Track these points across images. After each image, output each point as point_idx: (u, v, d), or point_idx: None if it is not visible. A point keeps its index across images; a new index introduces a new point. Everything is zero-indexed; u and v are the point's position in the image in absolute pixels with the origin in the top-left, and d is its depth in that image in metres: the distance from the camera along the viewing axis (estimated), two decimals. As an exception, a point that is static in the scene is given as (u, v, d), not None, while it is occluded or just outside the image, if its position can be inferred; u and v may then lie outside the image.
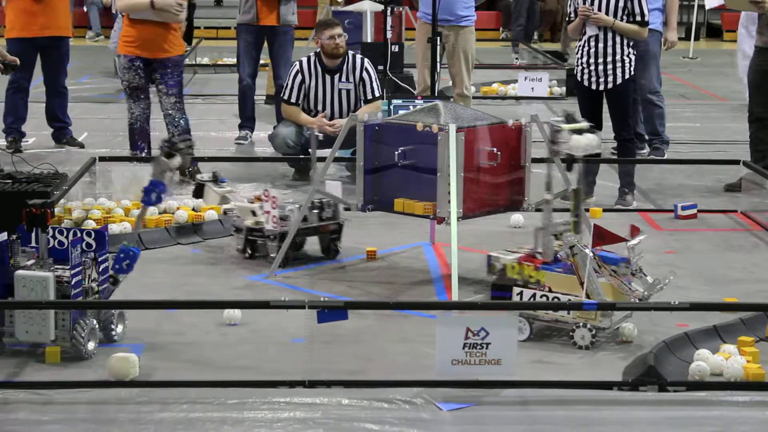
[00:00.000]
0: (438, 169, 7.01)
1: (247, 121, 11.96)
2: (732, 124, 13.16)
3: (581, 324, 6.18)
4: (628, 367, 5.93)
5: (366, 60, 10.16)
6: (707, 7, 19.05)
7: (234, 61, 13.92)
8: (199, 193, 8.76)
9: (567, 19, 9.56)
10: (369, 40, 13.64)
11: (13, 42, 11.06)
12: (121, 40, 10.05)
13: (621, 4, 9.02)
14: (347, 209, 7.67)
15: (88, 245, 6.07)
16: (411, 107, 8.99)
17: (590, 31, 9.12)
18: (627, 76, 9.12)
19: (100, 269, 6.14)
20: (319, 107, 10.03)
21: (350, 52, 10.12)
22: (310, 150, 9.81)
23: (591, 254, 6.23)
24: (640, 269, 6.37)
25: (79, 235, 6.05)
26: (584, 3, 9.10)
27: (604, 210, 8.96)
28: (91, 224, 8.13)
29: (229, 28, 20.78)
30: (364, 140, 7.33)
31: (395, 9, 13.26)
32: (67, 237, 6.06)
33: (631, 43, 9.12)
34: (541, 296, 6.33)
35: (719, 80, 17.44)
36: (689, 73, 18.39)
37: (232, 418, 5.32)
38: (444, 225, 7.06)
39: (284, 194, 7.99)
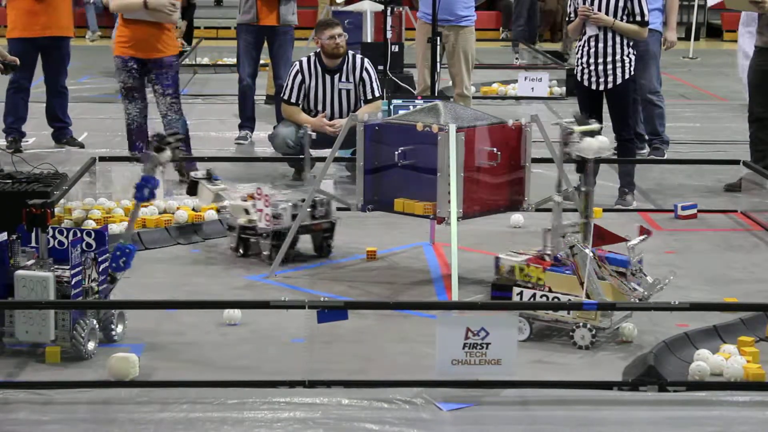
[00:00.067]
0: (438, 169, 7.01)
1: (247, 121, 11.96)
2: (732, 124, 13.16)
3: (581, 324, 6.18)
4: (628, 367, 5.94)
5: (366, 60, 10.16)
6: (708, 5, 19.04)
7: (234, 61, 13.92)
8: (192, 190, 8.75)
9: (567, 19, 9.56)
10: (369, 40, 13.63)
11: (14, 42, 11.06)
12: (115, 40, 10.04)
13: (621, 4, 9.02)
14: (346, 209, 7.66)
15: (88, 245, 6.07)
16: (411, 107, 8.99)
17: (590, 31, 9.12)
18: (627, 76, 9.11)
19: (100, 269, 6.14)
20: (319, 107, 10.03)
21: (350, 52, 10.11)
22: (306, 149, 9.86)
23: (591, 254, 6.23)
24: (640, 269, 6.37)
25: (79, 235, 6.05)
26: (584, 3, 9.10)
27: (604, 210, 8.96)
28: (91, 224, 8.13)
29: (229, 28, 20.77)
30: (364, 140, 7.33)
31: (395, 9, 13.26)
32: (67, 237, 6.07)
33: (631, 43, 9.12)
34: (541, 296, 6.33)
35: (719, 80, 17.44)
36: (689, 73, 18.39)
37: (232, 418, 5.32)
38: (444, 225, 7.06)
39: (284, 194, 7.99)
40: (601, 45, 9.08)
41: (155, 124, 9.99)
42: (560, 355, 6.13)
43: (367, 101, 10.02)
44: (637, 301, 6.22)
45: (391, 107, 9.78)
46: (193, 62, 17.16)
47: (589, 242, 6.38)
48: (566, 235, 6.44)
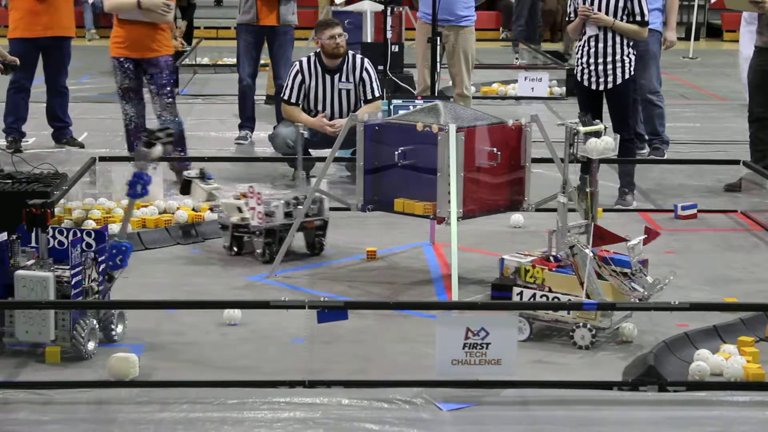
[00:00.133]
0: (438, 169, 7.01)
1: (247, 121, 11.96)
2: (732, 124, 13.16)
3: (581, 324, 6.18)
4: (628, 367, 5.93)
5: (366, 60, 10.16)
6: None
7: (234, 61, 13.92)
8: (186, 189, 8.76)
9: (567, 19, 9.56)
10: (369, 40, 13.63)
11: (15, 42, 11.07)
12: (111, 41, 10.04)
13: (621, 4, 9.02)
14: (346, 209, 7.66)
15: (88, 245, 6.07)
16: (411, 107, 8.99)
17: (590, 31, 9.12)
18: (627, 76, 9.11)
19: (100, 269, 6.14)
20: (319, 107, 10.03)
21: (350, 52, 10.11)
22: (309, 149, 9.85)
23: (591, 254, 6.23)
24: (640, 269, 6.37)
25: (79, 235, 6.05)
26: (584, 3, 9.10)
27: (604, 210, 8.94)
28: (91, 224, 8.13)
29: (229, 28, 20.77)
30: (364, 140, 7.33)
31: (395, 9, 13.25)
32: (67, 237, 6.07)
33: (631, 43, 9.12)
34: (541, 296, 6.33)
35: (719, 80, 17.44)
36: (689, 73, 18.39)
37: (232, 418, 5.32)
38: (444, 225, 7.06)
39: (284, 194, 7.99)
40: (601, 45, 9.08)
41: (152, 125, 9.98)
42: (560, 355, 6.13)
43: (367, 101, 10.02)
44: (637, 301, 6.22)
45: (391, 107, 9.78)
46: (193, 62, 17.16)
47: (589, 242, 6.37)
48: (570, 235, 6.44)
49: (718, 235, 8.63)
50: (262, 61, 12.18)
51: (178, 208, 8.59)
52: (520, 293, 6.38)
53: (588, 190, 6.66)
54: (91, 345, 5.96)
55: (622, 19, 9.04)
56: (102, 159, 9.32)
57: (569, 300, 6.22)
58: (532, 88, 15.11)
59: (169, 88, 9.89)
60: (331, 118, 9.99)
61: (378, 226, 8.53)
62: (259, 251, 7.70)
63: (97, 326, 6.05)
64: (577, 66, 9.26)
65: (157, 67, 9.83)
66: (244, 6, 11.70)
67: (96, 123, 12.75)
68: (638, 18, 9.06)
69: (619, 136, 9.26)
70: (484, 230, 8.26)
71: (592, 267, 6.21)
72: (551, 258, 6.58)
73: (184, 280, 7.40)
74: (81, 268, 5.97)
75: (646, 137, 11.20)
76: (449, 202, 6.96)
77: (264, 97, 13.88)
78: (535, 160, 7.50)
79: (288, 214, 7.80)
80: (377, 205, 7.40)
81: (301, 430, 5.23)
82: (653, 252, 7.52)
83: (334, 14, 13.73)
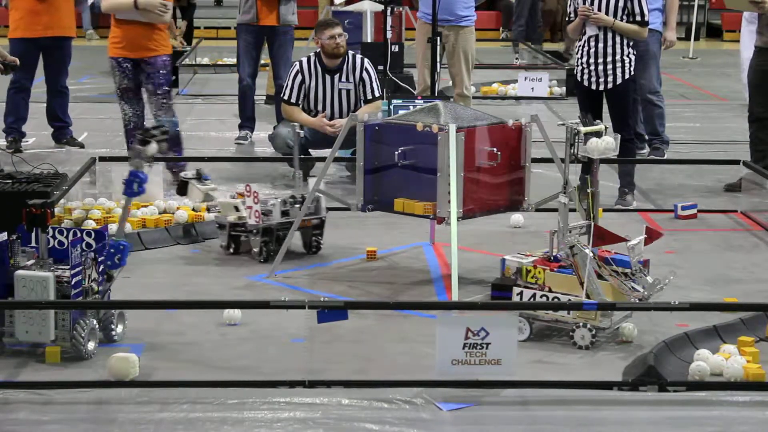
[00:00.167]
0: (438, 169, 7.01)
1: (247, 121, 11.96)
2: (732, 124, 13.16)
3: (581, 324, 6.17)
4: (628, 367, 5.93)
5: (366, 60, 10.16)
6: None
7: (234, 61, 13.91)
8: (182, 190, 8.75)
9: (567, 19, 9.56)
10: (369, 40, 13.63)
11: (16, 42, 11.07)
12: (109, 41, 10.04)
13: (621, 4, 9.02)
14: (346, 209, 7.66)
15: (88, 245, 6.07)
16: (411, 107, 8.99)
17: (590, 31, 9.12)
18: (627, 76, 9.11)
19: (100, 269, 6.14)
20: (319, 107, 10.03)
21: (350, 52, 10.12)
22: (308, 149, 9.85)
23: (591, 254, 6.22)
24: (640, 269, 6.37)
25: (79, 235, 6.05)
26: (584, 3, 9.10)
27: (604, 210, 8.94)
28: (91, 224, 8.13)
29: (229, 28, 20.77)
30: (364, 140, 7.33)
31: (395, 9, 13.25)
32: (67, 237, 6.07)
33: (631, 43, 9.12)
34: (541, 296, 6.33)
35: (719, 80, 17.44)
36: (689, 73, 18.39)
37: (232, 418, 5.32)
38: (444, 225, 7.06)
39: (282, 193, 8.00)
40: (601, 45, 9.08)
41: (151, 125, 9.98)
42: (560, 355, 6.13)
43: (367, 101, 10.02)
44: (637, 301, 6.22)
45: (391, 107, 9.78)
46: (193, 62, 17.16)
47: (589, 242, 6.37)
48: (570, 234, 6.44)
49: (718, 235, 8.63)
50: (262, 61, 12.18)
51: (178, 208, 8.59)
52: (520, 293, 6.37)
53: (589, 190, 6.66)
54: (91, 345, 5.96)
55: (622, 19, 9.04)
56: (102, 159, 9.32)
57: (569, 300, 6.22)
58: (532, 88, 15.11)
59: (165, 88, 9.87)
60: (331, 118, 9.99)
61: (378, 226, 8.53)
62: (255, 250, 7.71)
63: (97, 326, 6.05)
64: (577, 66, 9.26)
65: (153, 66, 9.82)
66: (244, 6, 11.70)
67: (96, 123, 12.75)
68: (638, 18, 9.06)
69: (619, 136, 9.25)
70: (484, 230, 8.26)
71: (592, 267, 6.21)
72: (552, 258, 6.57)
73: (184, 280, 7.40)
74: (81, 268, 5.97)
75: (646, 137, 11.20)
76: (449, 202, 6.96)
77: (264, 97, 13.88)
78: (535, 160, 7.50)
79: (285, 213, 7.81)
80: (377, 205, 7.39)
81: (301, 430, 5.23)
82: (653, 252, 7.51)
83: (334, 14, 13.74)
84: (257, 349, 6.19)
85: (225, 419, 5.31)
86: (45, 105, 11.58)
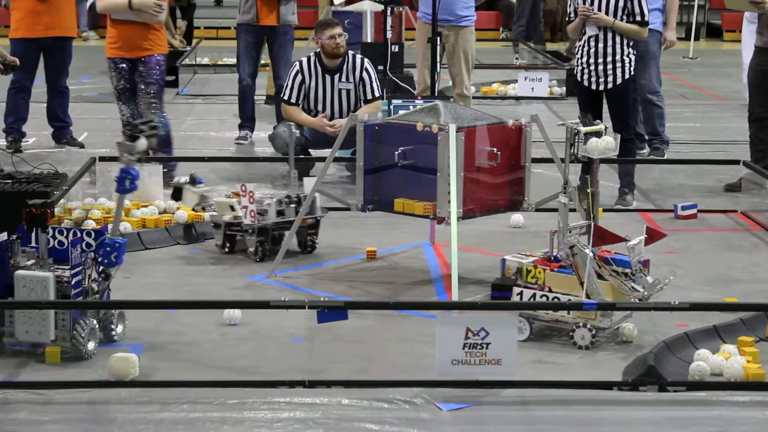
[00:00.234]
0: (438, 169, 7.01)
1: (247, 121, 11.96)
2: (732, 124, 13.16)
3: (581, 324, 6.17)
4: (628, 367, 5.93)
5: (366, 60, 10.16)
6: None
7: (234, 61, 13.91)
8: (177, 196, 8.73)
9: (567, 19, 9.56)
10: (369, 40, 13.63)
11: (17, 42, 11.07)
12: (106, 42, 10.04)
13: (621, 4, 9.02)
14: (346, 209, 7.66)
15: (88, 245, 6.07)
16: (411, 107, 8.99)
17: (590, 31, 9.12)
18: (627, 76, 9.11)
19: (100, 269, 6.14)
20: (319, 107, 10.03)
21: (350, 52, 10.12)
22: (308, 149, 9.83)
23: (591, 254, 6.22)
24: (640, 269, 6.37)
25: (79, 235, 6.05)
26: (584, 3, 9.10)
27: (604, 210, 8.94)
28: (91, 224, 8.13)
29: (229, 28, 20.76)
30: (364, 140, 7.33)
31: (395, 9, 13.25)
32: (67, 237, 6.07)
33: (631, 43, 9.12)
34: (541, 296, 6.33)
35: (719, 80, 17.44)
36: (689, 73, 18.39)
37: (232, 418, 5.32)
38: (444, 225, 7.06)
39: (280, 194, 8.01)
40: (601, 45, 9.08)
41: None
42: (560, 355, 6.12)
43: (367, 101, 10.02)
44: (637, 301, 6.22)
45: (391, 107, 9.78)
46: (193, 62, 17.15)
47: (589, 242, 6.37)
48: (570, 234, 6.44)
49: (718, 235, 8.63)
50: (262, 61, 12.17)
51: (178, 208, 8.59)
52: (520, 293, 6.37)
53: (589, 190, 6.66)
54: (91, 345, 5.96)
55: (622, 19, 9.04)
56: (102, 159, 9.32)
57: (569, 300, 6.22)
58: (532, 88, 15.11)
59: (155, 88, 9.83)
60: (331, 118, 9.99)
61: (378, 226, 8.53)
62: (251, 249, 7.72)
63: (97, 326, 6.04)
64: (577, 66, 9.26)
65: (147, 65, 9.81)
66: (244, 6, 11.70)
67: (96, 123, 12.75)
68: (638, 18, 9.05)
69: (619, 136, 9.26)
70: (484, 230, 8.26)
71: (592, 267, 6.21)
72: (552, 258, 6.57)
73: (184, 280, 7.40)
74: (81, 268, 5.97)
75: (646, 137, 11.20)
76: (449, 202, 6.96)
77: (264, 97, 13.88)
78: (535, 160, 7.50)
79: (280, 213, 7.82)
80: (377, 205, 7.39)
81: (301, 430, 5.23)
82: (653, 252, 7.52)
83: (334, 14, 13.74)
84: (257, 349, 6.19)
85: (225, 419, 5.31)
86: (45, 105, 11.58)
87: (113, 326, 6.19)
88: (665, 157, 11.10)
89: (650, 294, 6.28)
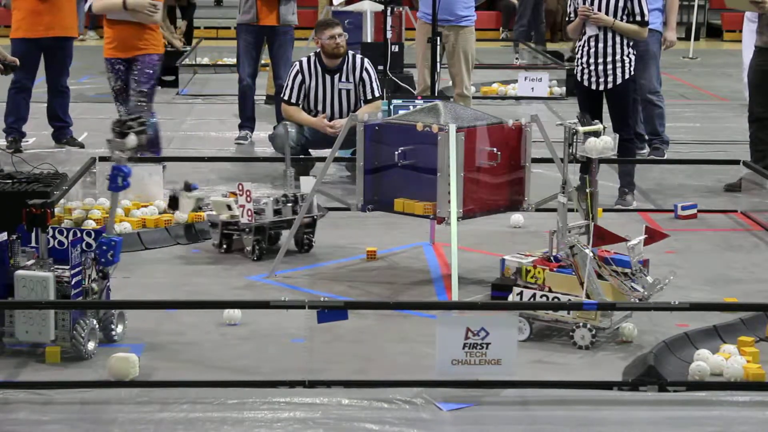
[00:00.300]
0: (438, 169, 7.01)
1: (247, 121, 11.96)
2: (732, 124, 13.16)
3: (581, 324, 6.17)
4: (628, 367, 5.93)
5: (366, 60, 10.16)
6: None
7: (234, 61, 13.91)
8: (173, 204, 8.71)
9: (567, 19, 9.56)
10: (369, 40, 13.63)
11: (17, 42, 11.07)
12: (104, 43, 10.04)
13: (621, 4, 9.02)
14: (346, 209, 7.66)
15: (88, 245, 6.07)
16: (411, 107, 8.99)
17: (590, 31, 9.12)
18: (627, 76, 9.11)
19: (98, 268, 6.14)
20: (319, 107, 10.03)
21: (350, 52, 10.12)
22: (308, 149, 9.82)
23: (591, 254, 6.22)
24: (640, 269, 6.37)
25: (79, 235, 6.05)
26: (584, 3, 9.10)
27: (604, 210, 8.94)
28: (91, 224, 8.13)
29: (229, 28, 20.76)
30: (364, 140, 7.33)
31: (395, 9, 13.24)
32: (67, 237, 6.06)
33: (631, 43, 9.12)
34: (541, 296, 6.33)
35: (719, 80, 17.44)
36: (689, 73, 18.39)
37: (232, 418, 5.32)
38: (444, 225, 7.06)
39: (277, 193, 8.01)
40: (601, 45, 9.08)
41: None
42: (560, 355, 6.12)
43: (367, 101, 10.02)
44: (637, 301, 6.22)
45: (391, 107, 9.78)
46: (193, 62, 17.15)
47: (589, 242, 6.37)
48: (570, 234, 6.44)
49: (718, 235, 8.63)
50: (262, 61, 12.17)
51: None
52: (520, 293, 6.37)
53: (588, 190, 6.66)
54: (91, 345, 5.96)
55: (622, 19, 9.04)
56: (102, 159, 9.29)
57: (569, 300, 6.22)
58: (532, 88, 15.11)
59: (147, 87, 9.81)
60: (331, 118, 9.99)
61: (378, 226, 8.53)
62: (248, 249, 7.72)
63: (97, 326, 6.04)
64: (577, 66, 9.26)
65: (141, 63, 9.80)
66: (244, 6, 11.70)
67: (96, 123, 12.73)
68: (638, 18, 9.05)
69: (618, 135, 9.27)
70: (484, 230, 8.26)
71: (592, 267, 6.21)
72: (552, 258, 6.57)
73: (184, 280, 7.39)
74: (81, 268, 5.97)
75: (646, 137, 11.20)
76: (449, 202, 6.96)
77: (264, 97, 13.88)
78: (535, 160, 7.50)
79: (277, 212, 7.82)
80: (377, 205, 7.39)
81: (301, 430, 5.23)
82: (653, 252, 7.52)
83: (334, 14, 13.73)
84: (257, 349, 6.19)
85: (225, 419, 5.31)
86: (45, 105, 11.58)
87: (113, 326, 6.19)
88: (665, 157, 11.10)
89: (650, 294, 6.28)
